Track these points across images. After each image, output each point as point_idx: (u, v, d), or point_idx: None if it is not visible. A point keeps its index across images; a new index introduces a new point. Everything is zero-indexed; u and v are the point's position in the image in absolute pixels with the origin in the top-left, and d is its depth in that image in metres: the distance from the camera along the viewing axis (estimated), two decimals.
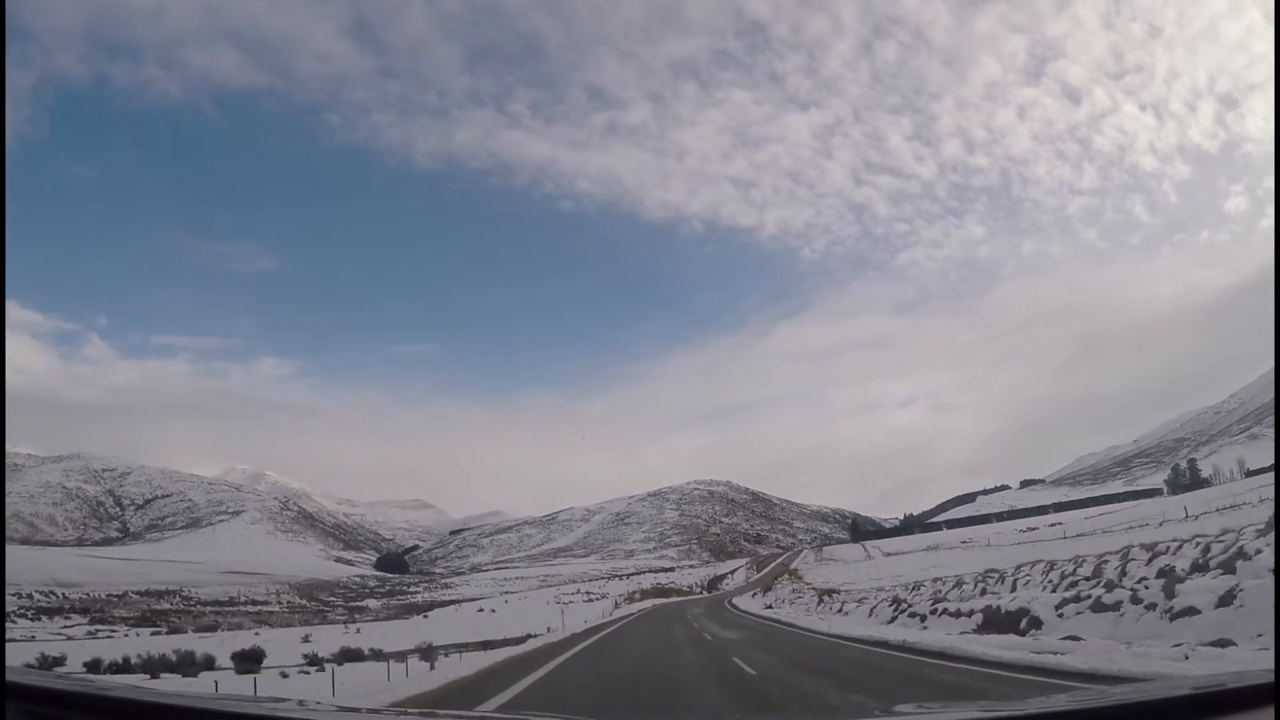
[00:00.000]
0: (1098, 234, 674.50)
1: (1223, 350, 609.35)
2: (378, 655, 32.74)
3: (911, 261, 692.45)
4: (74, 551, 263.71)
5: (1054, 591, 16.74)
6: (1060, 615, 14.07)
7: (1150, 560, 16.57)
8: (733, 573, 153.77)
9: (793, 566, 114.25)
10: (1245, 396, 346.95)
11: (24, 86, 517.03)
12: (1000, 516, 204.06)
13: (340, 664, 28.37)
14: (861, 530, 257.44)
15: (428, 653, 30.65)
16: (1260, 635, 9.53)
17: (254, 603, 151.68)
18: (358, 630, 57.86)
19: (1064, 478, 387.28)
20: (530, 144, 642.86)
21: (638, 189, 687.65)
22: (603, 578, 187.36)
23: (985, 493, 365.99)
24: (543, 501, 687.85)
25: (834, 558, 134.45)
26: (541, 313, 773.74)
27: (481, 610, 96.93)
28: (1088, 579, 16.71)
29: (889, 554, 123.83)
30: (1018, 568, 26.31)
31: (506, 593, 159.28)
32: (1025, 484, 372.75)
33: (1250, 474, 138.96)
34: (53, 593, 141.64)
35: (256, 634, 60.50)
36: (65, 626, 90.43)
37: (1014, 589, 20.32)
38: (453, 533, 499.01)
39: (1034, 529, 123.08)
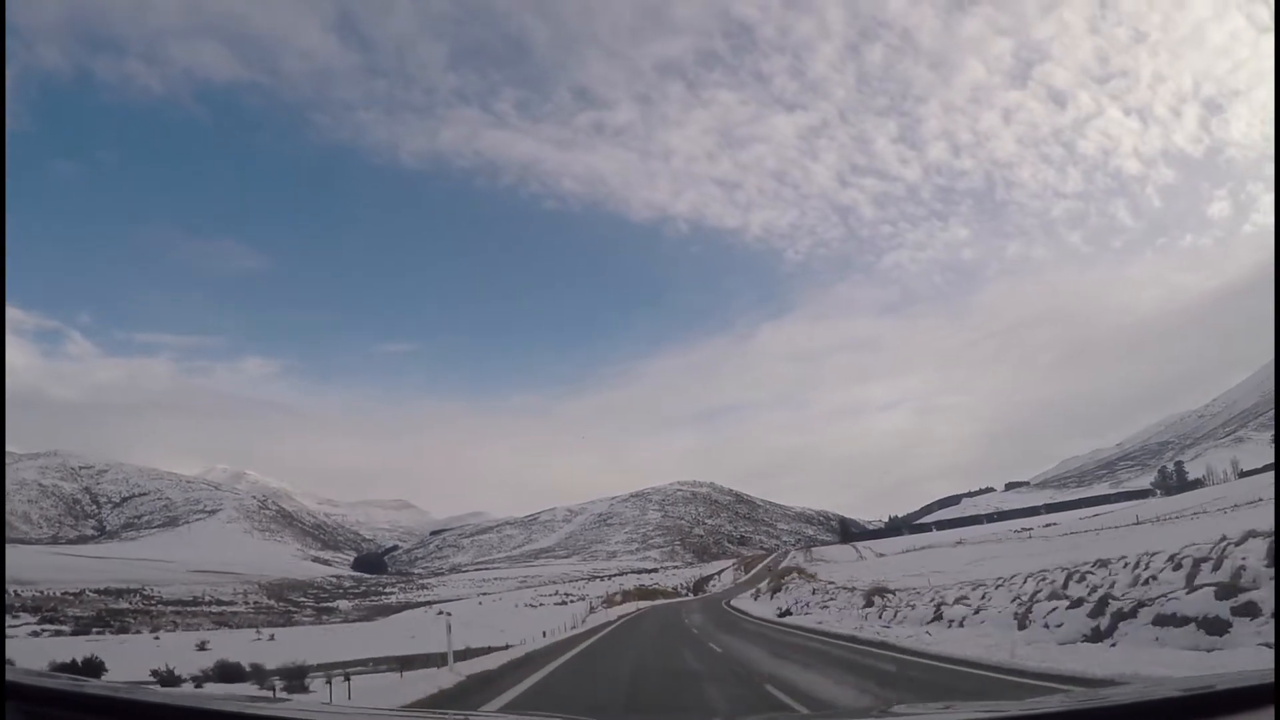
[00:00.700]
0: (1081, 238, 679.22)
1: (1206, 354, 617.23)
2: (260, 674, 26.82)
3: (896, 264, 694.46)
4: (46, 549, 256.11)
5: None
6: None
7: None
8: (720, 574, 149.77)
9: (800, 565, 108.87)
10: (1229, 400, 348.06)
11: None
12: (991, 518, 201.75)
13: (201, 684, 23.58)
14: (851, 531, 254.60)
15: (294, 675, 25.58)
16: None
17: (219, 603, 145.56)
18: (271, 637, 50.30)
19: (1049, 480, 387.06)
20: (516, 143, 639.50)
21: (623, 189, 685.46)
22: (583, 579, 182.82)
23: (970, 495, 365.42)
24: (525, 502, 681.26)
25: (825, 559, 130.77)
26: (526, 313, 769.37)
27: (441, 613, 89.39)
28: None
29: (880, 555, 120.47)
30: (1100, 563, 20.78)
31: (483, 594, 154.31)
32: (1010, 486, 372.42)
33: (1244, 474, 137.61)
34: (5, 591, 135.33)
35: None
36: (11, 625, 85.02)
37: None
38: (433, 533, 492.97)
39: (1029, 530, 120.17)
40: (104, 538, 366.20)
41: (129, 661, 30.32)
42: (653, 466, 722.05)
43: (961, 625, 16.78)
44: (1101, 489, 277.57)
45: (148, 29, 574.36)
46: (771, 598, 46.07)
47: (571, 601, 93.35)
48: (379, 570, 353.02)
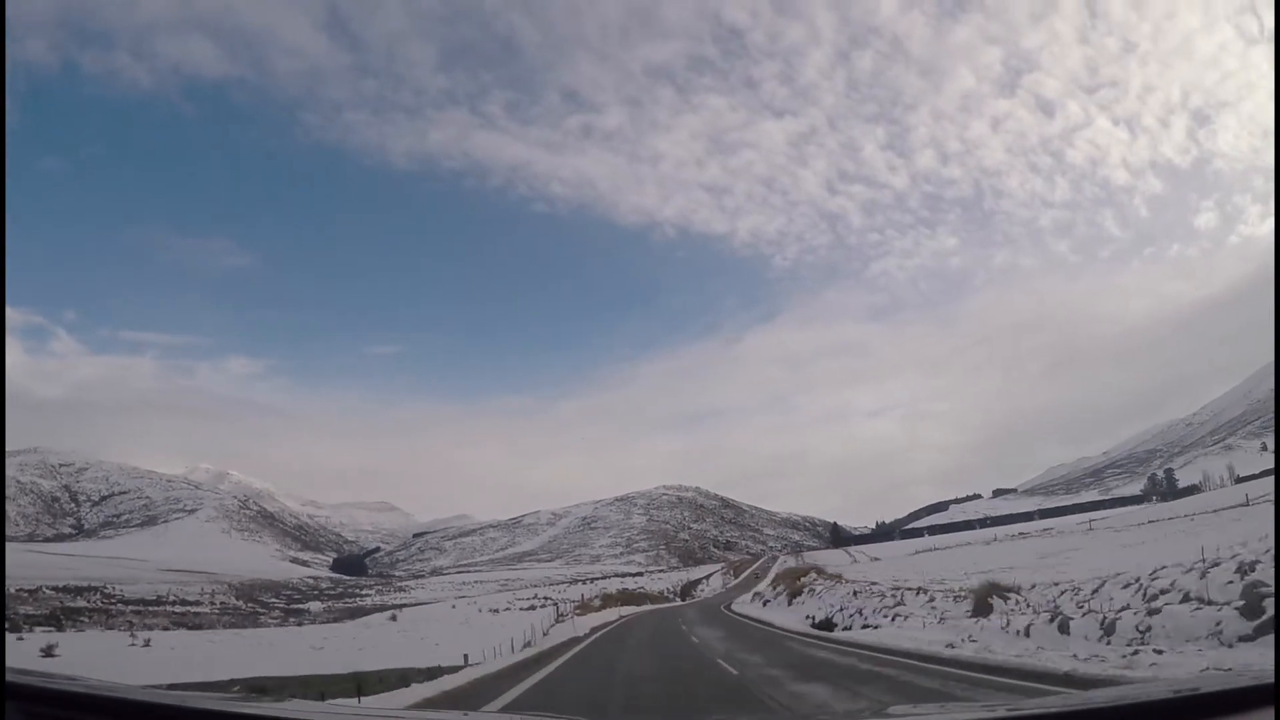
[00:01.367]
0: (1069, 247, 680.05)
1: (1193, 363, 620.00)
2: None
3: (884, 271, 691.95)
4: (18, 547, 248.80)
5: None
6: None
7: None
8: (707, 578, 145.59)
9: (819, 564, 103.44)
10: (1217, 409, 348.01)
11: None
12: (984, 523, 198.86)
13: None
14: (842, 536, 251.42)
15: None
16: None
17: (183, 603, 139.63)
18: (146, 643, 43.32)
19: (1036, 487, 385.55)
20: (505, 145, 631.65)
21: (612, 193, 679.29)
22: (565, 582, 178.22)
23: (957, 501, 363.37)
24: (510, 506, 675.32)
25: (819, 563, 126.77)
26: (513, 316, 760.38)
27: (394, 619, 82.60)
28: None
29: (875, 559, 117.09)
30: (1160, 570, 14.75)
31: (460, 596, 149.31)
32: (998, 493, 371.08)
33: (1240, 480, 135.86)
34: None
35: (143, 639, 50.07)
36: None
37: None
38: (416, 535, 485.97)
39: (1025, 535, 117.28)
40: (81, 536, 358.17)
41: None
42: (638, 470, 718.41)
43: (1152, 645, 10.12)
44: (1090, 496, 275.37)
45: (136, 21, 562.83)
46: (789, 603, 36.81)
47: (540, 606, 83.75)
48: (359, 572, 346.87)
